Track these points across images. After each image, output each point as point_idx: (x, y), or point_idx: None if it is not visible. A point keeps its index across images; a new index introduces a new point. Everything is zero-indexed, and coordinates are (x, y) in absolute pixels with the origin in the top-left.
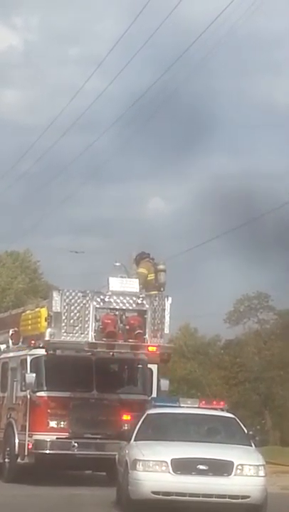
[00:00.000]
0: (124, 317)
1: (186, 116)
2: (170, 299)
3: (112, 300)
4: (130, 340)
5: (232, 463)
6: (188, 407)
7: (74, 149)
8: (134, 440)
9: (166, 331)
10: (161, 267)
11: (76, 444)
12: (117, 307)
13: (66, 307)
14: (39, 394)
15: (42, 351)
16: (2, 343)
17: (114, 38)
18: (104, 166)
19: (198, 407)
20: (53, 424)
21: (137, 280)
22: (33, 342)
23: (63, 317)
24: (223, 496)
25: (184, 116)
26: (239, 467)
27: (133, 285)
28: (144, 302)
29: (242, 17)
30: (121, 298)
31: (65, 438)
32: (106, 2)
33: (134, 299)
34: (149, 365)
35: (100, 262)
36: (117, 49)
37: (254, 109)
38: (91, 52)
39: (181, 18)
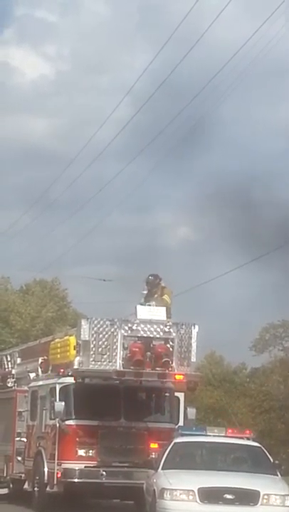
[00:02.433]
0: (151, 345)
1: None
2: (197, 327)
3: (139, 328)
4: (157, 369)
5: (258, 492)
6: (214, 436)
7: (105, 177)
8: (162, 469)
9: (193, 359)
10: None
11: (104, 473)
12: (145, 335)
13: (94, 335)
14: (68, 422)
15: (71, 379)
16: (32, 372)
17: (143, 67)
18: (133, 194)
19: (225, 436)
20: (81, 452)
21: (164, 308)
22: (62, 370)
23: (92, 345)
24: None
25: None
26: (265, 497)
27: (160, 313)
28: (171, 330)
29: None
30: (148, 326)
31: (94, 466)
32: (136, 32)
33: (162, 327)
34: (176, 394)
35: (127, 290)
36: (146, 78)
37: (278, 137)
38: (121, 82)
39: (208, 47)
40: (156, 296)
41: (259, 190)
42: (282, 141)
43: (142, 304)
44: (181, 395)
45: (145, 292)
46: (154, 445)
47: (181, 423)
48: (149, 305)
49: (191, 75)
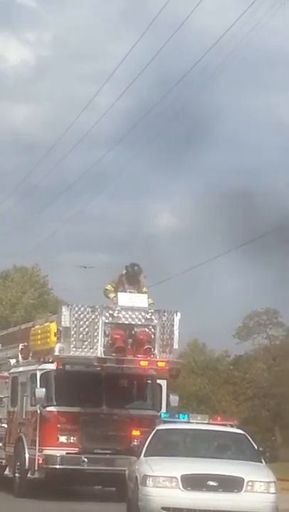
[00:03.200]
0: (133, 332)
1: (197, 132)
2: (179, 314)
3: (120, 315)
4: (139, 356)
5: (242, 479)
6: (197, 423)
7: (83, 165)
8: (144, 456)
9: (175, 346)
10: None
11: (86, 460)
12: (126, 322)
13: (75, 322)
14: (49, 409)
15: (51, 366)
16: (12, 358)
17: (125, 54)
18: (114, 181)
19: (208, 423)
20: (62, 439)
21: (146, 295)
22: (42, 357)
23: (72, 332)
24: None
25: (194, 132)
26: (249, 483)
27: (142, 300)
28: (153, 317)
29: (251, 32)
30: (130, 313)
31: (75, 453)
32: (120, 18)
33: (143, 314)
34: (158, 381)
35: (109, 277)
36: (128, 65)
37: (263, 126)
38: (103, 69)
39: (191, 33)
40: (137, 284)
41: (245, 176)
42: (267, 127)
43: (109, 290)
44: (163, 383)
45: (117, 278)
46: (136, 432)
47: (163, 410)
48: (131, 292)
49: (175, 62)
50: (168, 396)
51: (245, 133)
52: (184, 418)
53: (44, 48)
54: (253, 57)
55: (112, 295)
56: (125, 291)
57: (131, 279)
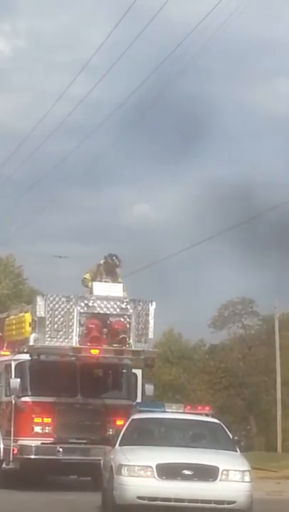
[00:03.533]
0: (108, 322)
1: (174, 120)
2: (154, 303)
3: (96, 305)
4: (114, 345)
5: (217, 468)
6: (173, 412)
7: (59, 154)
8: (119, 445)
9: (151, 335)
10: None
11: (61, 449)
12: (101, 312)
13: (50, 312)
14: (24, 399)
15: (26, 356)
16: None
17: (104, 43)
18: (90, 171)
19: (183, 412)
20: (37, 429)
21: (121, 285)
22: (17, 347)
23: (47, 322)
24: (209, 502)
25: (171, 120)
26: (224, 472)
27: (117, 290)
28: (128, 307)
29: (229, 19)
30: (105, 302)
31: (50, 443)
32: (95, 7)
33: (118, 303)
34: (134, 370)
35: (85, 267)
36: (106, 54)
37: (244, 113)
38: (80, 58)
39: (169, 21)
40: (114, 275)
41: (222, 166)
42: (240, 116)
43: (87, 279)
44: (138, 372)
45: (95, 268)
46: (111, 422)
47: (139, 400)
48: (106, 282)
49: (150, 51)
50: (143, 385)
51: (222, 121)
52: (159, 408)
53: (19, 37)
54: (228, 46)
55: (90, 284)
56: (101, 281)
57: (109, 269)
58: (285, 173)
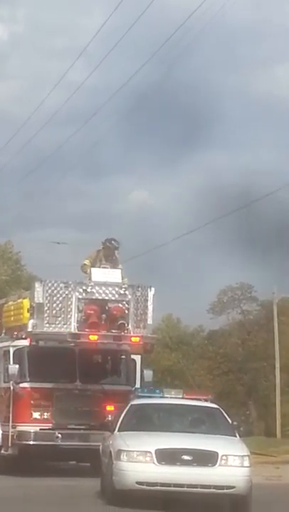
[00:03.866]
0: (106, 308)
1: (170, 107)
2: (153, 289)
3: (94, 290)
4: (113, 331)
5: (216, 453)
6: (172, 398)
7: (58, 140)
8: (118, 431)
9: (149, 321)
10: None
11: (60, 435)
12: (100, 297)
13: (48, 298)
14: (22, 385)
15: (25, 342)
16: None
17: (102, 30)
18: (88, 157)
19: (183, 398)
20: (36, 415)
21: (120, 271)
22: (15, 333)
23: (46, 308)
24: (208, 487)
25: (168, 107)
26: (224, 457)
27: (116, 275)
28: (127, 293)
29: (223, 8)
30: (103, 288)
31: (49, 429)
32: None
33: (117, 289)
34: (133, 356)
35: (83, 253)
36: (104, 42)
37: (236, 101)
38: (78, 44)
39: (166, 8)
40: (114, 260)
41: (218, 153)
42: (237, 103)
43: (87, 265)
44: (137, 358)
45: (94, 254)
46: (110, 407)
47: (137, 385)
48: (105, 267)
49: (146, 38)
50: (142, 371)
51: (217, 109)
52: (157, 394)
53: (17, 24)
54: (223, 34)
55: (89, 270)
56: (100, 267)
57: (108, 253)
58: (283, 161)
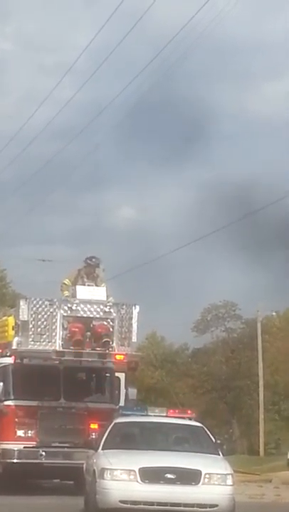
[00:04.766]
0: (91, 325)
1: (159, 121)
2: (138, 307)
3: (79, 308)
4: (98, 349)
5: (200, 472)
6: (156, 416)
7: (45, 156)
8: (102, 449)
9: (134, 339)
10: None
11: (44, 453)
12: (85, 315)
13: (33, 315)
14: (6, 403)
15: (9, 360)
16: None
17: (89, 47)
18: (75, 173)
19: (166, 416)
20: (20, 433)
21: (104, 288)
22: (0, 351)
23: (30, 325)
24: (191, 505)
25: (156, 121)
26: (207, 476)
27: (100, 293)
28: (112, 310)
29: (212, 23)
30: (88, 306)
31: (33, 447)
32: (81, 11)
33: (102, 307)
34: (117, 374)
35: (67, 270)
36: (93, 57)
37: (230, 114)
38: (65, 61)
39: (155, 24)
40: (96, 278)
41: (211, 167)
42: (229, 116)
43: (66, 285)
44: (121, 376)
45: (75, 272)
46: (94, 425)
47: (121, 403)
48: (89, 285)
49: (135, 53)
50: (126, 389)
51: (208, 121)
52: (142, 412)
53: (6, 40)
54: (213, 47)
55: (66, 293)
56: (84, 285)
57: (90, 271)
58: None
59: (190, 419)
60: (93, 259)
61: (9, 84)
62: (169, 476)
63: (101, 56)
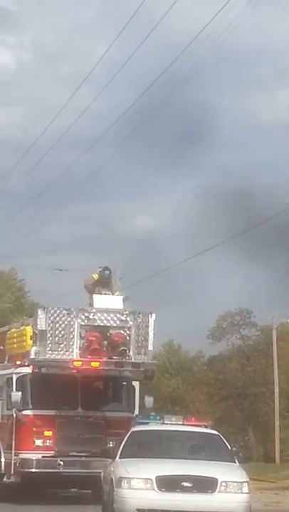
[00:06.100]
0: (108, 334)
1: (173, 130)
2: (154, 315)
3: (96, 317)
4: (115, 357)
5: (216, 480)
6: (172, 424)
7: (61, 166)
8: (119, 458)
9: (150, 347)
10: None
11: (62, 462)
12: (102, 324)
13: (51, 325)
14: (25, 412)
15: (28, 369)
16: None
17: (106, 55)
18: (92, 182)
19: (183, 424)
20: (38, 442)
21: (121, 297)
22: (18, 360)
23: (48, 335)
24: None
25: (171, 130)
26: (223, 484)
27: (117, 302)
28: (128, 319)
29: (226, 30)
30: (105, 315)
31: (51, 456)
32: (98, 20)
33: (118, 315)
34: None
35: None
36: (107, 67)
37: (240, 124)
38: (82, 71)
39: (168, 33)
40: (112, 287)
41: (222, 175)
42: (243, 125)
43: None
44: (136, 384)
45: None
46: (111, 434)
47: (136, 412)
48: (106, 294)
49: (150, 62)
50: (142, 398)
51: (223, 130)
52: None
53: (23, 50)
54: (228, 56)
55: (94, 276)
56: (100, 293)
57: (104, 282)
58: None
59: (206, 426)
60: (106, 272)
61: (28, 95)
62: (185, 484)
63: (115, 66)
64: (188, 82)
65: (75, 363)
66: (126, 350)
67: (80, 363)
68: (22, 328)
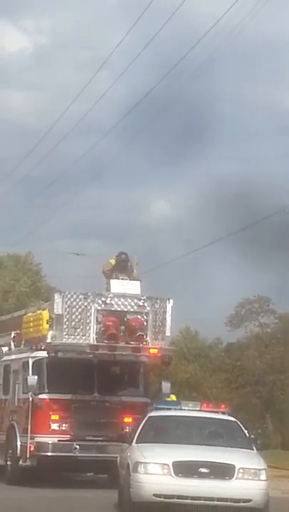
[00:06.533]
0: (125, 319)
1: (189, 119)
2: (171, 301)
3: (113, 302)
4: (132, 343)
5: (234, 466)
6: (189, 410)
7: (78, 152)
8: (136, 442)
9: (168, 333)
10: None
11: (78, 447)
12: (119, 309)
13: (68, 309)
14: (41, 396)
15: (44, 353)
16: (4, 346)
17: (123, 42)
18: (107, 169)
19: (200, 410)
20: (54, 426)
21: (138, 282)
22: (34, 344)
23: (65, 319)
24: (225, 500)
25: (187, 119)
26: (241, 471)
27: (134, 287)
28: (146, 304)
29: (245, 19)
30: (122, 300)
31: (67, 440)
32: (117, 6)
33: (136, 301)
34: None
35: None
36: (125, 53)
37: (256, 113)
38: (100, 56)
39: (186, 20)
40: (129, 272)
41: (241, 166)
42: (262, 116)
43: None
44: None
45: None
46: (128, 419)
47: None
48: (123, 279)
49: (169, 50)
50: (160, 383)
51: (241, 121)
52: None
53: (41, 35)
54: (247, 45)
55: (111, 261)
56: (118, 278)
57: (120, 267)
58: None
59: (223, 413)
60: (122, 256)
61: (45, 80)
62: (202, 470)
63: (133, 52)
64: (204, 71)
65: (91, 347)
66: (143, 336)
67: (97, 347)
68: (38, 312)
